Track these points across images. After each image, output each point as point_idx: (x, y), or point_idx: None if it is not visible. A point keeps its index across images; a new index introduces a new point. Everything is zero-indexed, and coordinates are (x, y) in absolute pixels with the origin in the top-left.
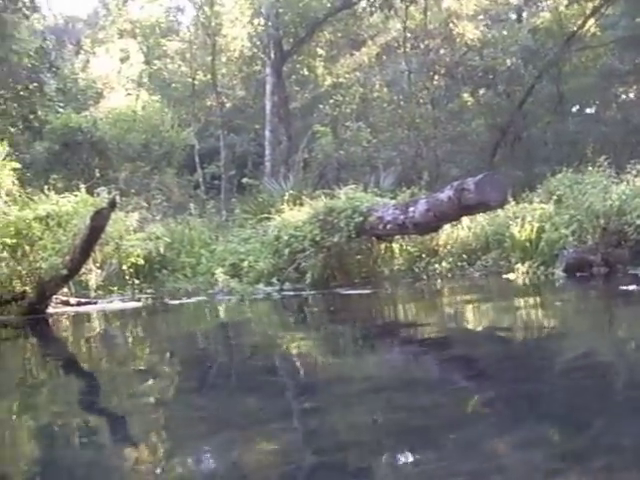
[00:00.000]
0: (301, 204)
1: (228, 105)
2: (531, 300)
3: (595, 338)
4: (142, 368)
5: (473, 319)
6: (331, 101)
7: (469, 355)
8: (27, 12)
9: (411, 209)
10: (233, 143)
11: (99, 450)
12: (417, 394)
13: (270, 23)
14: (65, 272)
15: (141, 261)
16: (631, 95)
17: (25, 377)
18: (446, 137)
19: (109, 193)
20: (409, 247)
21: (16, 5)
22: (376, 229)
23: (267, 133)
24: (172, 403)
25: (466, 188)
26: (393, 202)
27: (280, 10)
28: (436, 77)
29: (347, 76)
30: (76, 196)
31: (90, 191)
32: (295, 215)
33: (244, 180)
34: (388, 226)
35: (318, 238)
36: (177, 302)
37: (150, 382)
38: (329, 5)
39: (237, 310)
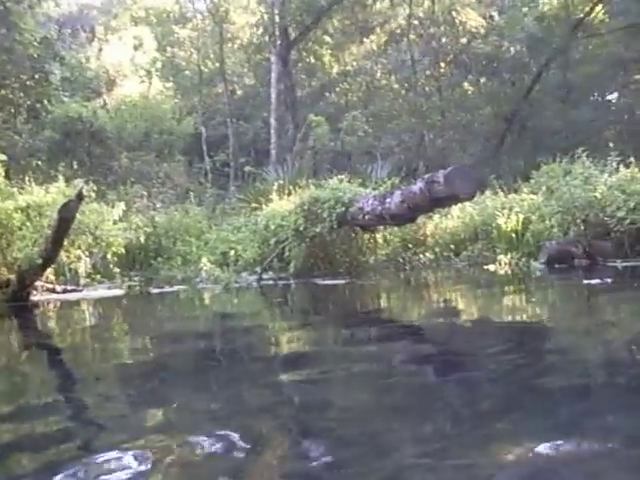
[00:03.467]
0: (289, 194)
1: (239, 93)
2: (488, 292)
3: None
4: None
5: (428, 311)
6: (337, 89)
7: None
8: (32, 2)
9: (388, 200)
10: (243, 131)
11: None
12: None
13: (276, 11)
14: (40, 261)
15: (122, 250)
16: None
17: None
18: (448, 126)
19: (87, 184)
20: (394, 237)
21: None
22: (356, 219)
23: (272, 121)
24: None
25: (436, 180)
26: (374, 193)
27: None
28: (442, 65)
29: (354, 64)
30: (58, 187)
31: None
32: (283, 205)
33: (246, 168)
34: (367, 217)
35: (302, 228)
36: (158, 290)
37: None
38: None
39: (211, 298)
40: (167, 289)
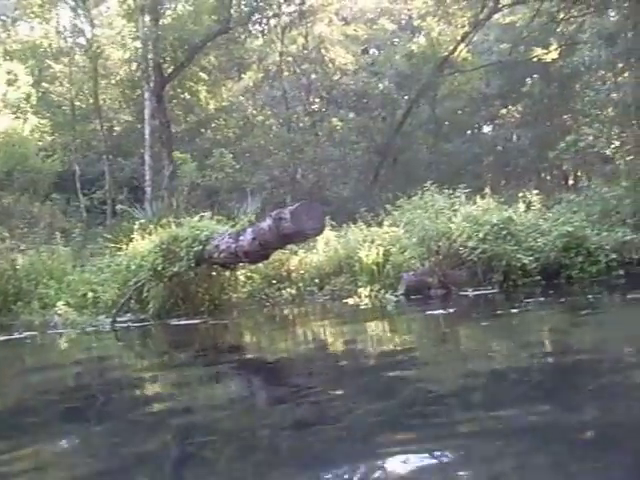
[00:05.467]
0: (149, 233)
1: (117, 129)
2: (330, 325)
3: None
4: None
5: (268, 348)
6: (213, 125)
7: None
8: None
9: (241, 238)
10: (121, 168)
11: None
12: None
13: (150, 47)
14: None
15: None
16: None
17: None
18: (320, 160)
19: None
20: (257, 273)
21: None
22: (213, 257)
23: (147, 158)
24: None
25: (283, 217)
26: (230, 230)
27: (159, 34)
28: (316, 100)
29: (231, 100)
30: None
31: None
32: (143, 244)
33: (117, 207)
34: (222, 254)
35: (160, 267)
36: (3, 338)
37: None
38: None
39: (60, 344)
40: (15, 336)
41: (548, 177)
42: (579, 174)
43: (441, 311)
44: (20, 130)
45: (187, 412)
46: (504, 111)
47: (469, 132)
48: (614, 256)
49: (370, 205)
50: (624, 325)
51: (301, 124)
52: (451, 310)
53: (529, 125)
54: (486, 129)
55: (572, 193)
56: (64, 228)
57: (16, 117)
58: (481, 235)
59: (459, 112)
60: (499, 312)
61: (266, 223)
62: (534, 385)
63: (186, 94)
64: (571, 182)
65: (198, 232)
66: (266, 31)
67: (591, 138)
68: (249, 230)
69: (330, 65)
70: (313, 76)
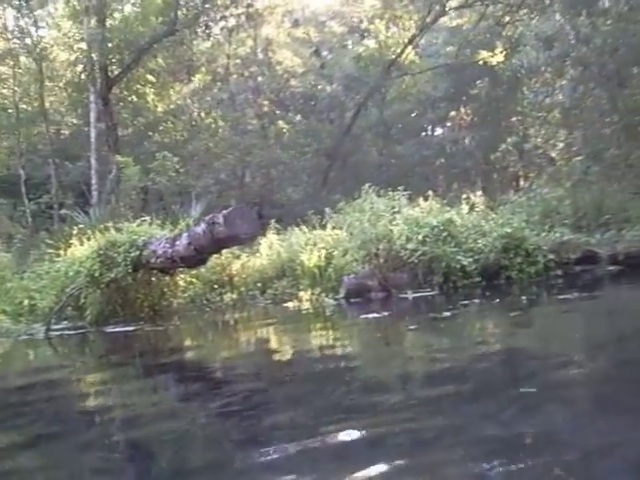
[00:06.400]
0: (88, 238)
1: (64, 132)
2: (265, 328)
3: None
4: None
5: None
6: (161, 128)
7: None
8: None
9: (177, 242)
10: (68, 171)
11: None
12: None
13: (95, 48)
14: None
15: None
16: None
17: None
18: (268, 163)
19: None
20: (196, 278)
21: None
22: (150, 263)
23: (93, 161)
24: None
25: (216, 222)
26: (167, 235)
27: (106, 35)
28: (265, 103)
29: (179, 103)
30: None
31: None
32: (82, 250)
33: (62, 211)
34: (159, 260)
35: (97, 273)
36: None
37: None
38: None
39: None
40: None
41: (499, 179)
42: (530, 176)
43: (375, 314)
44: None
45: (112, 409)
46: (453, 113)
47: (423, 134)
48: (552, 257)
49: (319, 208)
50: (547, 327)
51: (249, 127)
52: (386, 313)
53: (477, 127)
54: (439, 131)
55: (520, 195)
56: (10, 234)
57: None
58: (420, 237)
59: (412, 115)
60: (432, 315)
61: (200, 228)
62: (432, 390)
63: (133, 97)
64: (522, 183)
65: (136, 237)
66: (213, 34)
67: (540, 140)
68: (185, 235)
69: (277, 67)
70: (260, 79)
